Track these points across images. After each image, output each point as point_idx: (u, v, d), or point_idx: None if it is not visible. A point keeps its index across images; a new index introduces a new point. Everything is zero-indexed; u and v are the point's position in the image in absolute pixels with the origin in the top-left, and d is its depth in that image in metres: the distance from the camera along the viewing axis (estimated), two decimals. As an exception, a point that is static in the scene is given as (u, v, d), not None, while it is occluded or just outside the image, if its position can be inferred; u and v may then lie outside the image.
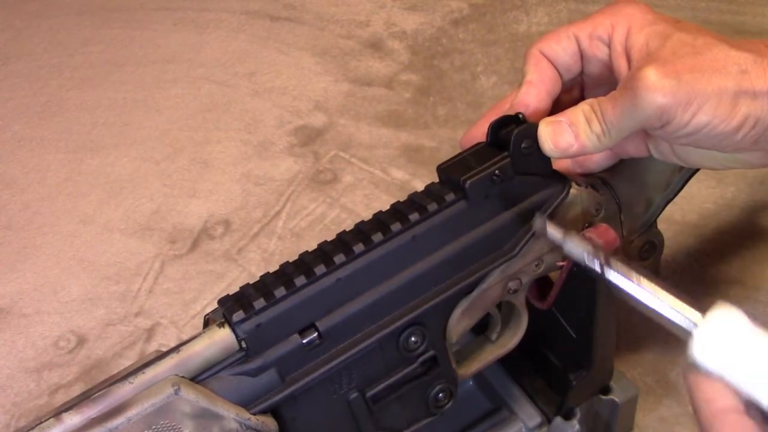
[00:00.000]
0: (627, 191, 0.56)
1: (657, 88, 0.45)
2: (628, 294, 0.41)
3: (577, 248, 0.45)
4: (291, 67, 1.13)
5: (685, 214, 0.83)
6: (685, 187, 0.62)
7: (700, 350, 0.38)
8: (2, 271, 0.90)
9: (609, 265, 0.43)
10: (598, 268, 0.43)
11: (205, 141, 1.03)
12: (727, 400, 0.38)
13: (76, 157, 1.03)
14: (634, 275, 0.41)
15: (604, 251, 0.43)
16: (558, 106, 0.54)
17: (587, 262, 0.44)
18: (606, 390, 0.61)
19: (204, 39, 1.21)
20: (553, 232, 0.47)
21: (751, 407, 0.38)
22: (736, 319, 0.38)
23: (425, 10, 1.21)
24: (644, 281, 0.41)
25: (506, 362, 0.60)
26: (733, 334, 0.37)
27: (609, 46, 0.51)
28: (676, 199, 0.62)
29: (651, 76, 0.45)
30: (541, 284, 0.57)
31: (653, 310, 0.40)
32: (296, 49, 1.17)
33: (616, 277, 0.42)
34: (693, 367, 0.38)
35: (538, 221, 0.50)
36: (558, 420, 0.60)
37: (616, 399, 0.61)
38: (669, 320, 0.39)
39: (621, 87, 0.48)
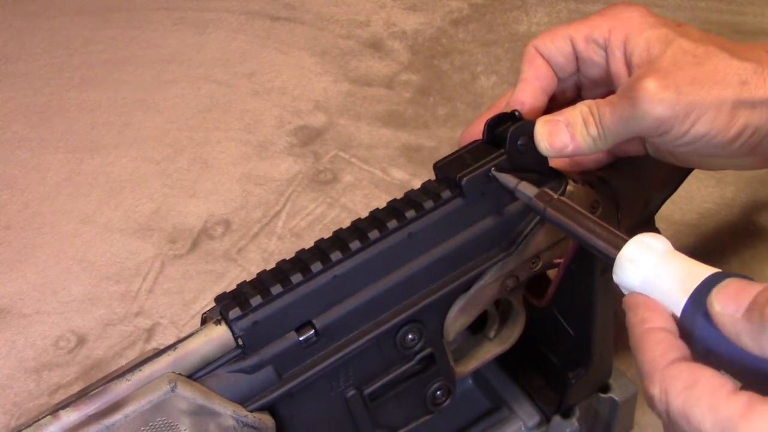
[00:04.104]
0: (624, 189, 0.56)
1: (656, 101, 0.45)
2: (566, 231, 0.45)
3: (525, 192, 0.48)
4: (291, 67, 1.13)
5: (684, 214, 0.83)
6: (685, 187, 0.62)
7: (618, 272, 0.41)
8: (2, 271, 0.90)
9: (551, 208, 0.46)
10: (541, 209, 0.46)
11: (205, 141, 1.03)
12: (660, 321, 0.38)
13: (76, 157, 1.04)
14: (571, 215, 0.45)
15: (548, 196, 0.46)
16: (554, 103, 0.54)
17: (532, 204, 0.47)
18: (605, 388, 0.61)
19: (204, 39, 1.21)
20: (507, 179, 0.49)
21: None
22: (653, 244, 0.40)
23: (425, 10, 1.21)
24: (579, 220, 0.44)
25: (505, 360, 0.60)
26: (648, 257, 0.40)
27: (606, 50, 0.51)
28: (675, 199, 0.62)
29: (651, 87, 0.45)
30: (539, 282, 0.57)
31: (587, 244, 0.43)
32: (296, 49, 1.17)
33: (556, 217, 0.46)
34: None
35: (497, 176, 0.50)
36: (557, 418, 0.60)
37: (616, 397, 0.61)
38: (599, 251, 0.42)
39: (620, 94, 0.48)
